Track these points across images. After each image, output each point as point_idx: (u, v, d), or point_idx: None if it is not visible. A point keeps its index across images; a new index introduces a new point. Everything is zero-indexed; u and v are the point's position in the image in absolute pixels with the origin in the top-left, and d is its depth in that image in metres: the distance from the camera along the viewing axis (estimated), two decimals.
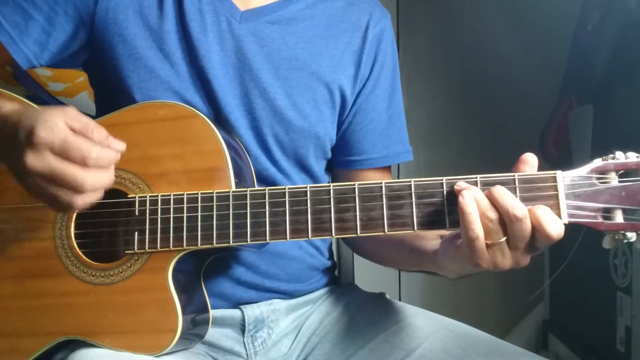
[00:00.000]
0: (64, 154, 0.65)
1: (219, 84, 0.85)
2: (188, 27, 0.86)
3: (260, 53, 0.88)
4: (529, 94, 1.77)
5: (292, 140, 0.89)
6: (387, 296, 0.97)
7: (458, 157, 1.96)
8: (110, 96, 0.88)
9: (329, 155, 0.96)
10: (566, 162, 1.64)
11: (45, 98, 1.56)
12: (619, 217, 0.66)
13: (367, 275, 1.24)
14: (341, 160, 0.98)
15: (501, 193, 0.65)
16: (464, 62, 1.96)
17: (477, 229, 0.65)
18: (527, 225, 0.65)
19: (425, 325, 0.86)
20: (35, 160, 0.65)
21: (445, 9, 2.01)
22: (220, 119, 0.86)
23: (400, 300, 0.96)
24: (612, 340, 1.37)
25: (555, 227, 0.65)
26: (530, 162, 0.69)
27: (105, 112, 0.83)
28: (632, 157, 0.66)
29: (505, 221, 0.65)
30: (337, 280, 1.06)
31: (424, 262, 0.82)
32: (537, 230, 0.65)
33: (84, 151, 0.65)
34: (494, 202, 0.66)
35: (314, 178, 0.95)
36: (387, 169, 1.00)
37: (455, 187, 0.68)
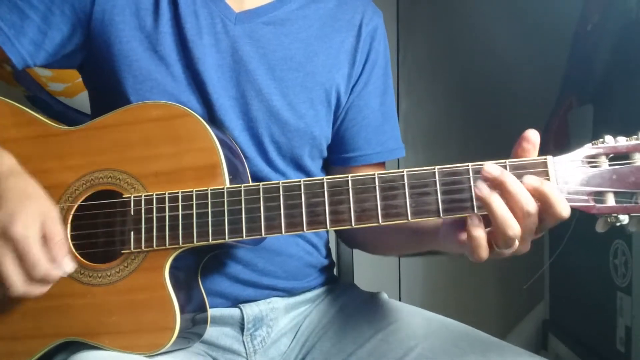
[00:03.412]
0: (19, 257, 0.69)
1: (214, 86, 0.86)
2: (183, 30, 0.86)
3: (255, 54, 0.88)
4: (528, 94, 1.77)
5: (289, 141, 0.90)
6: (386, 296, 0.97)
7: (458, 157, 1.95)
8: (106, 98, 0.88)
9: (325, 154, 0.97)
10: None
11: (45, 98, 1.56)
12: (610, 200, 0.66)
13: (367, 275, 1.24)
14: (336, 157, 0.98)
15: (514, 187, 0.64)
16: (463, 63, 1.96)
17: (483, 253, 0.66)
18: (536, 219, 0.65)
19: (423, 324, 0.87)
20: None
21: (445, 9, 2.01)
22: (215, 121, 0.86)
23: (400, 300, 0.96)
24: (612, 340, 1.37)
25: (565, 207, 0.65)
26: (532, 141, 0.68)
27: (100, 113, 0.83)
28: (621, 140, 0.67)
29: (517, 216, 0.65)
30: (336, 279, 1.06)
31: (425, 241, 0.81)
32: (546, 213, 0.65)
33: (34, 268, 0.70)
34: (504, 193, 0.65)
35: (310, 177, 0.93)
36: (382, 165, 1.00)
37: (477, 192, 0.66)
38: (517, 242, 0.66)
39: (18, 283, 0.69)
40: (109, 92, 0.87)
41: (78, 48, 0.89)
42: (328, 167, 1.01)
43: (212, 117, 0.86)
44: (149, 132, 0.79)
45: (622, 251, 1.31)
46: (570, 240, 1.41)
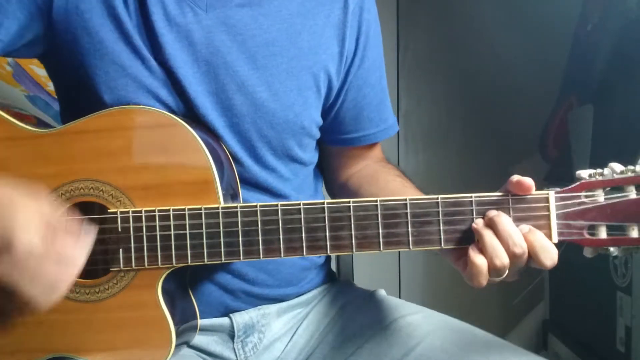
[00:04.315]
0: (37, 269, 0.64)
1: (190, 83, 0.80)
2: (150, 22, 0.79)
3: (233, 43, 0.81)
4: (528, 94, 1.76)
5: (278, 133, 0.84)
6: (385, 292, 0.95)
7: (458, 157, 1.96)
8: (75, 93, 0.83)
9: (318, 136, 0.92)
10: (566, 162, 1.64)
11: (46, 98, 1.56)
12: (602, 233, 0.69)
13: (367, 273, 1.24)
14: (337, 138, 0.95)
15: (504, 226, 0.67)
16: (464, 62, 1.96)
17: (483, 280, 0.68)
18: (525, 259, 0.67)
19: (424, 323, 0.85)
20: (11, 272, 0.63)
21: (445, 9, 2.01)
22: (197, 120, 0.81)
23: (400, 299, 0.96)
24: (612, 340, 1.37)
25: (550, 257, 0.67)
26: (525, 189, 0.69)
27: (70, 111, 0.79)
28: (617, 170, 0.69)
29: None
30: (333, 275, 1.03)
31: None
32: (532, 258, 0.68)
33: (56, 274, 0.65)
34: (495, 233, 0.68)
35: (303, 164, 0.91)
36: (378, 143, 0.99)
37: (474, 225, 0.70)
38: (506, 273, 0.68)
39: (43, 299, 0.65)
40: (78, 87, 0.81)
41: (38, 37, 0.82)
42: (326, 146, 0.97)
43: (193, 116, 0.81)
44: (134, 140, 0.74)
45: None
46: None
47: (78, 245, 0.67)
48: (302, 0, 0.86)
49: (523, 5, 1.73)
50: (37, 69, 1.54)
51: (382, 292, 0.95)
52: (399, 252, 2.01)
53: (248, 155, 0.84)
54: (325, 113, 0.91)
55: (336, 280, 1.03)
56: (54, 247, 0.65)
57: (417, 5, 2.02)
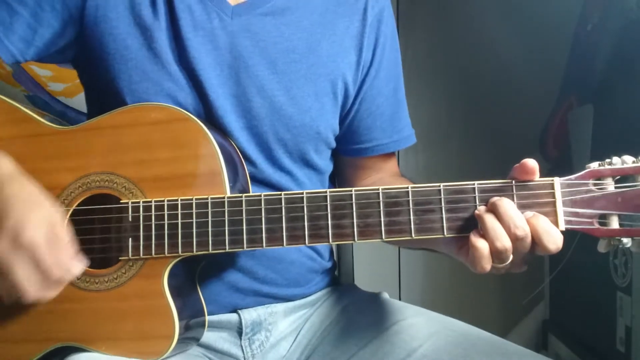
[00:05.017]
0: (33, 263, 0.68)
1: (212, 85, 0.83)
2: (178, 26, 0.83)
3: (255, 48, 0.85)
4: (529, 94, 1.77)
5: (294, 137, 0.87)
6: (388, 296, 0.96)
7: (458, 157, 1.96)
8: (101, 96, 0.86)
9: (333, 145, 0.94)
10: (566, 162, 1.64)
11: (45, 98, 1.56)
12: (614, 223, 0.67)
13: (367, 275, 1.24)
14: (350, 148, 0.96)
15: (506, 209, 0.66)
16: (464, 62, 1.96)
17: (486, 264, 0.67)
18: (528, 243, 0.66)
19: (426, 325, 0.85)
20: (9, 256, 0.68)
21: (445, 8, 2.01)
22: (214, 121, 0.84)
23: (400, 300, 0.96)
24: (612, 340, 1.37)
25: (554, 242, 0.66)
26: (532, 170, 0.68)
27: (96, 110, 0.81)
28: (628, 161, 0.66)
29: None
30: (337, 280, 1.04)
31: (426, 242, 0.80)
32: (536, 244, 0.66)
33: (49, 273, 0.69)
34: (497, 217, 0.67)
35: (318, 171, 0.93)
36: (394, 154, 0.99)
37: (476, 212, 0.69)
38: (510, 257, 0.67)
39: (32, 289, 0.69)
40: (104, 90, 0.85)
41: (70, 44, 0.86)
42: (339, 156, 0.98)
43: (211, 118, 0.84)
44: (148, 135, 0.77)
45: (622, 251, 1.31)
46: (570, 240, 1.41)
47: (75, 258, 0.72)
48: (323, 12, 0.89)
49: (523, 5, 1.73)
50: (37, 69, 1.54)
51: (385, 295, 0.96)
52: (399, 252, 2.01)
53: (264, 157, 0.87)
54: (340, 122, 0.93)
55: (340, 284, 1.04)
56: (55, 250, 0.69)
57: (417, 5, 2.02)
